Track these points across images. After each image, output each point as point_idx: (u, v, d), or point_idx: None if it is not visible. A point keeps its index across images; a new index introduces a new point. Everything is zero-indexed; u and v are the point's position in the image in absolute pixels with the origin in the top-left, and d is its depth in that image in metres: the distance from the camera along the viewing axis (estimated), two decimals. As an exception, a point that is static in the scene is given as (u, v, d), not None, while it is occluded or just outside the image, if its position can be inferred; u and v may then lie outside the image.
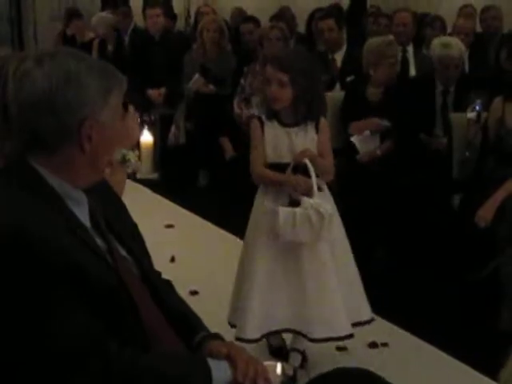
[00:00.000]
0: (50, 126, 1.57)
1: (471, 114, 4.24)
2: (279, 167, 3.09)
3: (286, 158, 3.08)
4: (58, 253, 1.50)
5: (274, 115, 3.11)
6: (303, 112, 3.05)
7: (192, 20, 9.15)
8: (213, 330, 1.87)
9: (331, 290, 3.05)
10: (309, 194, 2.97)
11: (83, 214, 1.66)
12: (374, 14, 6.93)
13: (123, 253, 1.75)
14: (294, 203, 3.00)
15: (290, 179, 3.02)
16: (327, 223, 2.96)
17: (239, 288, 3.23)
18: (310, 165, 2.99)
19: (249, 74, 5.65)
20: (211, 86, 6.04)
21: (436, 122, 4.70)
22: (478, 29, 6.60)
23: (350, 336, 3.07)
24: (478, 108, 4.26)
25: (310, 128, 3.11)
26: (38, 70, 1.58)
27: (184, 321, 1.82)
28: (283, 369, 1.78)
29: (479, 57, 5.83)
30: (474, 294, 3.82)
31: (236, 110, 5.60)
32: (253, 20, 7.05)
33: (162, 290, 1.83)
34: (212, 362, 1.67)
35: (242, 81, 5.66)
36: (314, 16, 6.97)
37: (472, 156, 4.11)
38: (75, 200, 1.65)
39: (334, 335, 3.04)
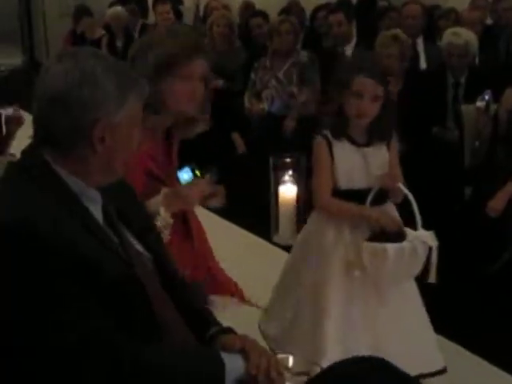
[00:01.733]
0: (62, 124, 1.59)
1: (480, 104, 4.24)
2: (351, 194, 2.70)
3: (360, 183, 2.70)
4: (68, 248, 1.51)
5: (344, 133, 2.72)
6: (381, 129, 2.71)
7: (201, 15, 9.15)
8: (224, 324, 1.88)
9: (418, 328, 2.75)
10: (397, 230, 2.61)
11: (97, 211, 1.67)
12: (382, 8, 6.91)
13: (139, 248, 1.76)
14: (380, 237, 2.60)
15: (377, 218, 2.62)
16: (434, 257, 2.63)
17: (294, 308, 2.92)
18: (409, 194, 2.65)
19: (259, 68, 5.64)
20: (220, 82, 6.04)
21: (448, 114, 4.69)
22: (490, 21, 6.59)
23: (443, 371, 2.75)
24: (487, 98, 4.25)
25: (383, 147, 2.76)
26: (57, 67, 1.60)
27: (198, 316, 1.83)
28: (295, 361, 1.79)
29: (490, 48, 5.80)
30: (491, 289, 3.78)
31: (247, 104, 5.60)
32: (261, 14, 7.05)
33: (178, 286, 1.83)
34: (225, 356, 1.68)
35: (253, 75, 5.65)
36: (318, 12, 6.97)
37: (482, 146, 4.09)
38: (90, 198, 1.66)
39: (425, 371, 2.69)
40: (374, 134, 2.72)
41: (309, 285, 2.86)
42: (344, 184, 2.71)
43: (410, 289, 2.74)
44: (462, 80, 4.71)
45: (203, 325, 1.82)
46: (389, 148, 2.76)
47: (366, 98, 2.64)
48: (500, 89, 4.21)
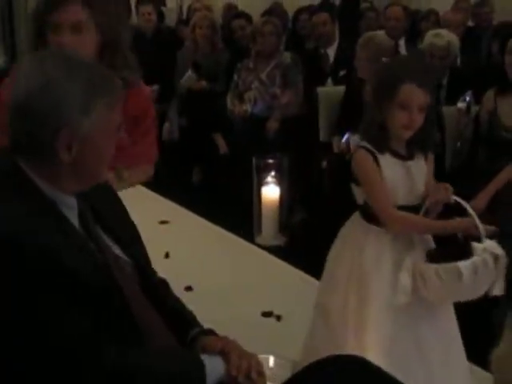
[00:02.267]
0: (27, 133, 1.54)
1: (461, 105, 4.27)
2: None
3: (405, 199, 2.52)
4: (45, 256, 1.48)
5: (387, 146, 2.51)
6: (423, 140, 2.51)
7: (184, 17, 9.14)
8: (207, 325, 1.88)
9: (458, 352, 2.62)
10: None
11: (73, 217, 1.64)
12: (363, 10, 6.95)
13: (118, 252, 1.74)
14: (438, 255, 2.45)
15: (465, 226, 2.43)
16: (502, 266, 2.42)
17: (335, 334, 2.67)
18: (467, 205, 2.48)
19: (242, 69, 5.65)
20: (203, 83, 6.03)
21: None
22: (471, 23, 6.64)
23: None
24: (468, 99, 4.28)
25: (422, 158, 2.57)
26: (21, 73, 1.56)
27: (178, 318, 1.82)
28: (276, 361, 1.79)
29: (471, 50, 5.84)
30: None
31: (229, 106, 5.60)
32: (244, 16, 7.05)
33: (158, 288, 1.83)
34: (205, 357, 1.67)
35: (236, 77, 5.65)
36: (300, 14, 7.00)
37: (463, 148, 4.12)
38: (66, 204, 1.62)
39: None
40: (416, 146, 2.52)
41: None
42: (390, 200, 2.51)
43: (451, 310, 2.59)
44: (444, 81, 4.74)
45: (184, 327, 1.81)
46: (426, 159, 2.58)
47: (414, 109, 2.41)
48: (481, 90, 4.23)
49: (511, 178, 3.76)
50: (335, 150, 4.65)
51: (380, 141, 2.48)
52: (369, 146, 2.50)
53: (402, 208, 2.49)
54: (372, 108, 2.51)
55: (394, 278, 2.49)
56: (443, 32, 4.87)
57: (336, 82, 5.48)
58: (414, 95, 2.40)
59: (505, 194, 3.72)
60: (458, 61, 5.60)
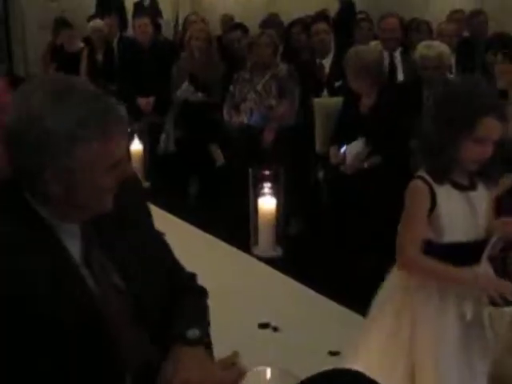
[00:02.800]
0: (18, 163, 1.53)
1: None
2: (456, 249, 2.31)
3: (466, 235, 2.32)
4: (29, 302, 1.47)
5: (448, 178, 2.31)
6: (490, 170, 2.33)
7: (180, 28, 9.17)
8: None
9: None
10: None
11: (75, 245, 1.60)
12: (358, 20, 6.99)
13: (117, 281, 1.68)
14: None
15: (485, 286, 2.24)
16: None
17: None
18: None
19: (238, 81, 5.66)
20: (200, 94, 6.05)
21: (424, 126, 4.72)
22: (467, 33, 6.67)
23: None
24: None
25: (484, 189, 2.38)
26: (14, 103, 1.53)
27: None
28: (273, 373, 1.78)
29: (466, 61, 5.87)
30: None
31: (226, 117, 5.61)
32: (241, 27, 7.08)
33: (160, 312, 1.77)
34: None
35: (232, 88, 5.67)
36: (294, 26, 7.04)
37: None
38: (67, 231, 1.59)
39: None
40: (480, 176, 2.34)
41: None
42: (448, 237, 2.30)
43: None
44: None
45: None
46: (489, 189, 2.39)
47: (489, 143, 2.23)
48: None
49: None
50: (332, 160, 4.66)
51: (443, 172, 2.29)
52: (427, 176, 2.30)
53: (462, 245, 2.30)
54: (437, 137, 2.27)
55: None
56: (435, 43, 4.90)
57: (332, 93, 5.50)
58: (493, 130, 2.22)
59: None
60: (453, 72, 5.64)
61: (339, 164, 4.61)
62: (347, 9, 8.76)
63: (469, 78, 2.44)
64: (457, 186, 2.32)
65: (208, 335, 1.83)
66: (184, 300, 1.85)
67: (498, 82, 3.99)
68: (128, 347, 1.64)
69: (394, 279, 2.51)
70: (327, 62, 5.87)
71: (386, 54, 5.97)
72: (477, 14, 6.78)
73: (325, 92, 5.66)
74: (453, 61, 5.65)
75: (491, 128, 2.21)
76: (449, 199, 2.30)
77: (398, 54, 6.01)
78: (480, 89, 2.29)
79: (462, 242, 2.31)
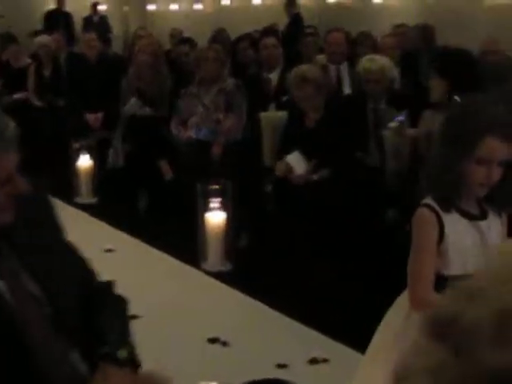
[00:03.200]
0: None
1: (393, 125, 4.36)
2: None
3: (475, 268, 2.03)
4: None
5: (455, 205, 2.18)
6: (501, 197, 2.19)
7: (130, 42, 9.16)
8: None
9: None
10: None
11: None
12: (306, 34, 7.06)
13: (33, 289, 1.70)
14: None
15: None
16: None
17: None
18: None
19: (186, 95, 5.67)
20: (147, 109, 6.04)
21: (369, 138, 4.79)
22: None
23: None
24: (400, 119, 4.37)
25: (497, 218, 2.25)
26: None
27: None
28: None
29: (410, 74, 5.96)
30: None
31: (174, 131, 5.61)
32: (189, 41, 7.10)
33: (79, 324, 1.79)
34: None
35: (180, 102, 5.67)
36: (240, 41, 7.09)
37: (402, 168, 4.19)
38: None
39: None
40: (491, 204, 2.21)
41: None
42: (456, 269, 2.15)
43: None
44: (382, 105, 4.83)
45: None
46: (501, 217, 2.25)
47: (494, 165, 2.11)
48: (419, 111, 4.32)
49: None
50: (277, 173, 4.69)
51: (449, 199, 2.15)
52: (434, 203, 2.16)
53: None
54: (441, 159, 2.17)
55: None
56: (377, 57, 4.99)
57: (279, 107, 5.54)
58: (496, 150, 2.09)
59: None
60: (397, 84, 5.72)
61: (285, 176, 4.64)
62: (295, 23, 8.85)
63: (474, 97, 2.27)
64: (465, 214, 2.19)
65: (135, 353, 1.84)
66: (107, 311, 1.87)
67: (431, 96, 4.08)
68: (51, 360, 1.65)
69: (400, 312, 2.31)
70: (274, 76, 5.92)
71: (332, 68, 6.06)
72: (421, 27, 6.90)
73: (272, 106, 5.71)
74: (396, 74, 5.73)
75: (494, 148, 2.09)
76: (457, 229, 2.16)
77: (344, 68, 6.09)
78: (483, 108, 2.18)
79: (466, 275, 2.07)
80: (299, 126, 4.69)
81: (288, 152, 4.67)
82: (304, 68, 4.83)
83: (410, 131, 4.27)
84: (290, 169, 4.63)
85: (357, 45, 6.56)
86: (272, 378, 1.86)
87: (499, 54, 5.82)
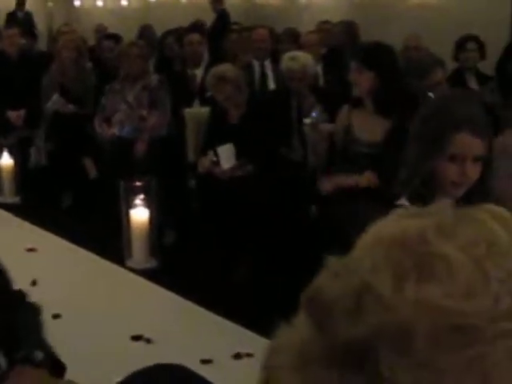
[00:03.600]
0: None
1: (307, 120, 4.41)
2: None
3: None
4: None
5: (429, 202, 1.83)
6: (481, 197, 2.05)
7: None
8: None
9: None
10: None
11: None
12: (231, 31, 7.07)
13: None
14: None
15: None
16: None
17: None
18: None
19: (109, 92, 5.61)
20: (71, 106, 5.95)
21: (293, 134, 4.83)
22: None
23: None
24: (314, 114, 4.43)
25: None
26: None
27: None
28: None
29: (334, 70, 6.03)
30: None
31: (97, 129, 5.54)
32: (113, 37, 7.02)
33: None
34: None
35: (103, 99, 5.61)
36: (167, 36, 7.05)
37: (319, 164, 4.22)
38: None
39: None
40: (469, 205, 2.13)
41: None
42: None
43: None
44: (305, 101, 4.87)
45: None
46: None
47: (468, 162, 2.03)
48: (337, 107, 4.36)
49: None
50: (200, 170, 4.69)
51: (424, 199, 2.01)
52: (409, 204, 2.09)
53: None
54: (413, 160, 2.11)
55: None
56: (299, 54, 5.01)
57: (203, 103, 5.53)
58: (469, 146, 2.03)
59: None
60: (322, 80, 5.79)
61: (209, 172, 4.64)
62: (222, 20, 8.84)
63: (447, 92, 2.19)
64: None
65: (52, 356, 1.84)
66: (21, 316, 1.86)
67: (354, 90, 4.13)
68: None
69: None
70: (199, 73, 5.91)
71: (256, 64, 6.09)
72: (345, 24, 6.98)
73: (196, 102, 5.70)
74: (320, 70, 5.79)
75: (466, 143, 2.03)
76: None
77: (268, 64, 6.13)
78: (453, 104, 2.13)
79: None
80: (222, 123, 4.69)
81: (211, 148, 4.67)
82: (222, 68, 4.82)
83: (327, 126, 4.31)
84: (214, 164, 4.63)
85: (281, 41, 6.60)
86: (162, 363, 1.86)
87: (422, 50, 5.96)
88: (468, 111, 2.10)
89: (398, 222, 0.53)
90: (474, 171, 2.05)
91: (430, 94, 3.79)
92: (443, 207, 0.54)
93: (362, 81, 3.88)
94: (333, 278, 0.53)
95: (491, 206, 0.54)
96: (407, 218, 0.54)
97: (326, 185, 3.81)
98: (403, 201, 2.12)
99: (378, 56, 3.95)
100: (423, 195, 2.06)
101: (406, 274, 0.49)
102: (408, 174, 2.13)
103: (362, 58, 3.93)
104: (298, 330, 0.53)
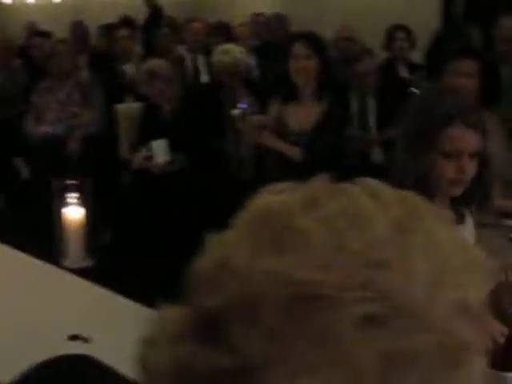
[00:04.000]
0: None
1: (235, 112, 4.42)
2: None
3: None
4: None
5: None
6: (479, 196, 2.00)
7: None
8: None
9: None
10: None
11: None
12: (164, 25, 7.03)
13: None
14: None
15: None
16: None
17: None
18: None
19: (40, 90, 5.51)
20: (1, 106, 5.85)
21: (226, 127, 4.82)
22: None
23: None
24: (243, 106, 4.44)
25: (470, 219, 2.05)
26: None
27: None
28: None
29: (267, 62, 6.05)
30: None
31: (29, 128, 5.45)
32: (44, 35, 6.91)
33: None
34: None
35: (34, 97, 5.51)
36: (100, 32, 6.99)
37: (249, 156, 4.24)
38: None
39: None
40: (467, 205, 2.01)
41: None
42: None
43: None
44: (238, 94, 4.87)
45: None
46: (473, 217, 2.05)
47: (464, 158, 1.91)
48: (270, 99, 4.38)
49: None
50: (133, 166, 4.65)
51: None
52: None
53: None
54: (403, 160, 1.98)
55: None
56: (230, 47, 5.00)
57: (135, 99, 5.49)
58: (463, 140, 1.92)
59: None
60: (257, 73, 5.79)
61: (145, 166, 4.61)
62: (155, 14, 8.76)
63: (432, 87, 2.08)
64: None
65: None
66: None
67: (292, 79, 4.15)
68: None
69: None
70: (131, 68, 5.86)
71: (189, 58, 6.07)
72: (277, 16, 7.01)
73: (129, 98, 5.65)
74: (252, 63, 5.81)
75: (459, 138, 1.91)
76: None
77: (201, 57, 6.11)
78: (443, 96, 2.02)
79: None
80: (155, 118, 4.67)
81: (144, 144, 4.64)
82: (153, 63, 4.80)
83: (257, 118, 4.32)
84: (148, 159, 4.61)
85: (213, 35, 6.58)
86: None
87: (352, 41, 6.02)
88: (459, 103, 2.00)
89: (268, 197, 0.54)
90: (471, 167, 1.93)
91: (414, 90, 3.68)
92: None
93: (308, 67, 3.91)
94: (204, 252, 0.53)
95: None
96: (278, 193, 0.54)
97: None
98: None
99: (321, 43, 4.03)
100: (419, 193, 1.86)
101: (263, 247, 0.49)
102: (399, 175, 1.98)
103: (310, 44, 3.98)
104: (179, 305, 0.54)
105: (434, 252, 0.48)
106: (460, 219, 1.99)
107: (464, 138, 1.91)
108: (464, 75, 3.57)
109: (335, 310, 0.45)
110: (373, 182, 0.54)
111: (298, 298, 0.46)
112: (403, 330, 0.45)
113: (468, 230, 2.02)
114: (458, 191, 1.96)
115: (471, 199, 2.01)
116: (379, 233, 0.48)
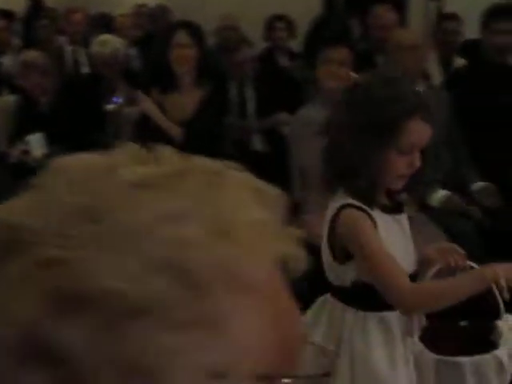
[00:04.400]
0: None
1: (110, 106, 4.41)
2: None
3: (404, 265, 1.88)
4: None
5: (374, 200, 1.89)
6: (415, 185, 1.94)
7: None
8: None
9: None
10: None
11: None
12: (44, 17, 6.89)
13: None
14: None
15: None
16: None
17: None
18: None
19: None
20: None
21: (106, 119, 4.79)
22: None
23: None
24: (116, 100, 4.44)
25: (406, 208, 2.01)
26: None
27: None
28: None
29: (149, 54, 6.03)
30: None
31: None
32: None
33: None
34: None
35: None
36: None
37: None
38: None
39: None
40: (404, 194, 1.95)
41: None
42: None
43: None
44: (118, 85, 4.84)
45: None
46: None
47: (416, 153, 1.84)
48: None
49: None
50: (11, 160, 4.56)
51: (369, 194, 1.85)
52: (356, 202, 1.85)
53: None
54: (354, 151, 1.84)
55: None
56: (109, 38, 4.95)
57: (12, 91, 5.36)
58: (422, 134, 1.83)
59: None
60: (137, 64, 5.76)
61: (22, 160, 4.53)
62: (35, 6, 8.56)
63: (383, 76, 1.98)
64: (385, 208, 1.91)
65: None
66: None
67: (173, 69, 4.17)
68: None
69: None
70: (8, 60, 5.72)
71: (69, 49, 5.98)
72: (159, 7, 6.98)
73: (5, 91, 5.52)
74: (133, 53, 5.77)
75: (420, 132, 1.83)
76: (384, 225, 1.88)
77: (81, 49, 6.03)
78: (399, 87, 1.89)
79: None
80: (31, 111, 4.59)
81: (22, 137, 4.55)
82: (29, 55, 4.70)
83: (134, 110, 4.32)
84: (25, 153, 4.52)
85: (94, 25, 6.51)
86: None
87: (233, 30, 6.05)
88: (418, 95, 1.91)
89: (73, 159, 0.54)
90: (419, 162, 1.86)
91: (355, 75, 3.31)
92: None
93: (189, 55, 3.95)
94: None
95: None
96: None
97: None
98: (349, 199, 1.88)
99: (200, 32, 4.09)
100: (371, 191, 1.87)
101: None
102: (353, 170, 1.86)
103: (191, 33, 4.01)
104: None
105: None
106: (399, 208, 1.97)
107: (422, 131, 1.84)
108: (337, 63, 3.67)
109: (24, 252, 0.47)
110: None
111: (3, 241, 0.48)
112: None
113: (405, 218, 2.00)
114: (400, 185, 1.90)
115: (416, 191, 1.99)
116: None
